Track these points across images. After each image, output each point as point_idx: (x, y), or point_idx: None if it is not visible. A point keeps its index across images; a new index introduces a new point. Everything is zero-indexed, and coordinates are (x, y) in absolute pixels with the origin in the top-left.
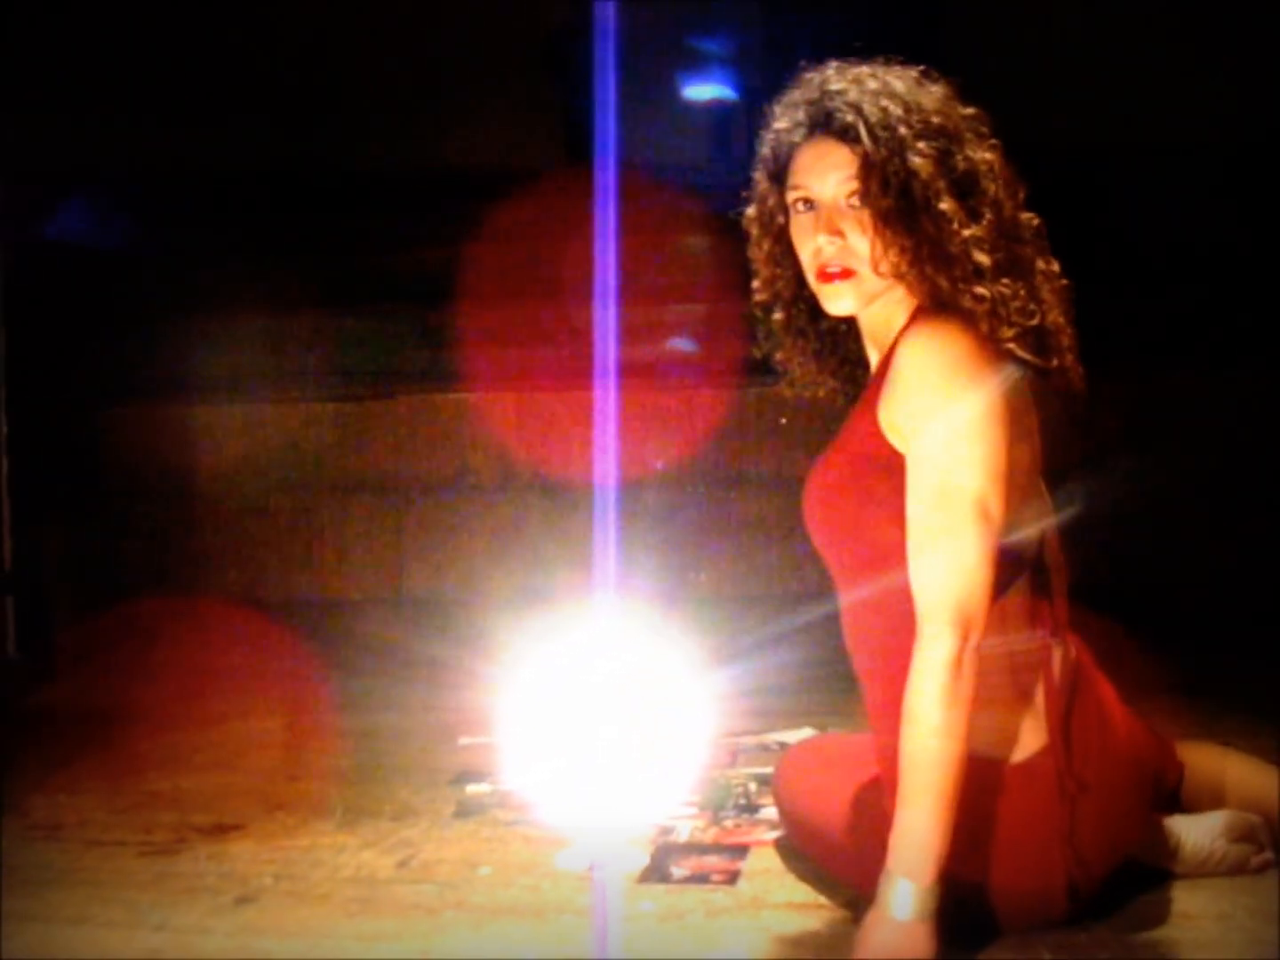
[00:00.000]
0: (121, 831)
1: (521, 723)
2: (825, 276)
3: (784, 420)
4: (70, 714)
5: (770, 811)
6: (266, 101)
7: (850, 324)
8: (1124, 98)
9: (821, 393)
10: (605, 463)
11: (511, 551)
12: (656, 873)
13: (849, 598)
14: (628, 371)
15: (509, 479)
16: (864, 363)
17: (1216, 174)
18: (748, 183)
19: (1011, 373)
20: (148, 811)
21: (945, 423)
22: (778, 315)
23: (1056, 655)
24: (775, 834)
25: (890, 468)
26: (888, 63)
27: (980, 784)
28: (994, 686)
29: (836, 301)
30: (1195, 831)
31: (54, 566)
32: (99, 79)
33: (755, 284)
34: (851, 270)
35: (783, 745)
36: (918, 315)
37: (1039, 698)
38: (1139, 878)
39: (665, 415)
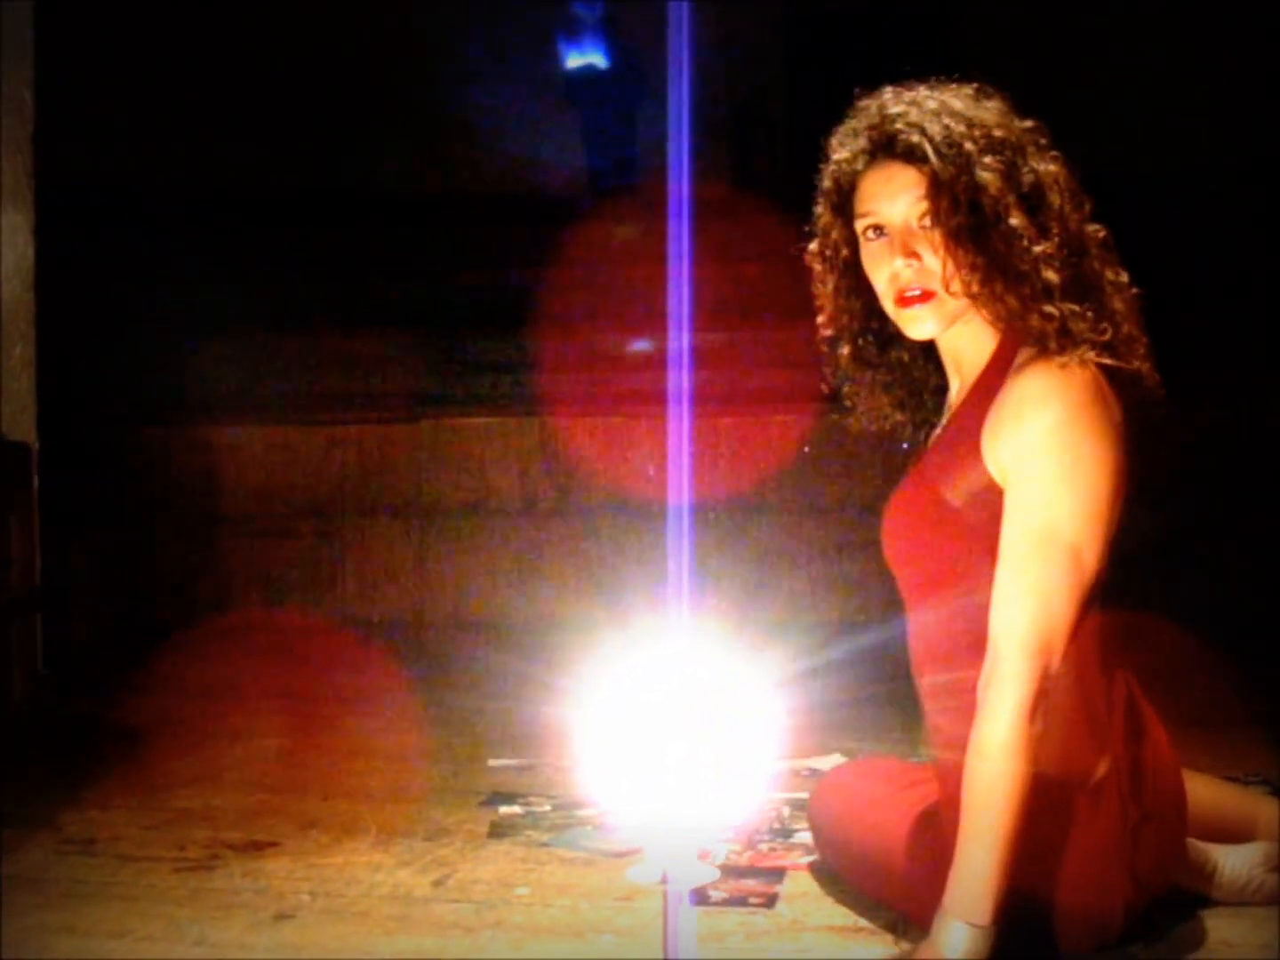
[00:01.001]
0: (155, 848)
1: (563, 742)
2: (904, 301)
3: (806, 449)
4: (99, 730)
5: (804, 835)
6: (303, 123)
7: (916, 354)
8: (1137, 121)
9: (888, 425)
10: (680, 486)
11: (533, 575)
12: (695, 895)
13: (920, 617)
14: (660, 398)
15: (531, 503)
16: (937, 388)
17: (1224, 193)
18: None
19: (1117, 413)
20: (180, 828)
21: (1058, 470)
22: (844, 349)
23: (1119, 678)
24: (810, 858)
25: (987, 496)
26: (941, 81)
27: (1045, 804)
28: (1062, 709)
29: (918, 325)
30: (1233, 859)
31: (83, 583)
32: (169, 97)
33: (820, 319)
34: (931, 292)
35: (814, 771)
36: (1025, 348)
37: (1104, 722)
38: (1180, 904)
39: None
